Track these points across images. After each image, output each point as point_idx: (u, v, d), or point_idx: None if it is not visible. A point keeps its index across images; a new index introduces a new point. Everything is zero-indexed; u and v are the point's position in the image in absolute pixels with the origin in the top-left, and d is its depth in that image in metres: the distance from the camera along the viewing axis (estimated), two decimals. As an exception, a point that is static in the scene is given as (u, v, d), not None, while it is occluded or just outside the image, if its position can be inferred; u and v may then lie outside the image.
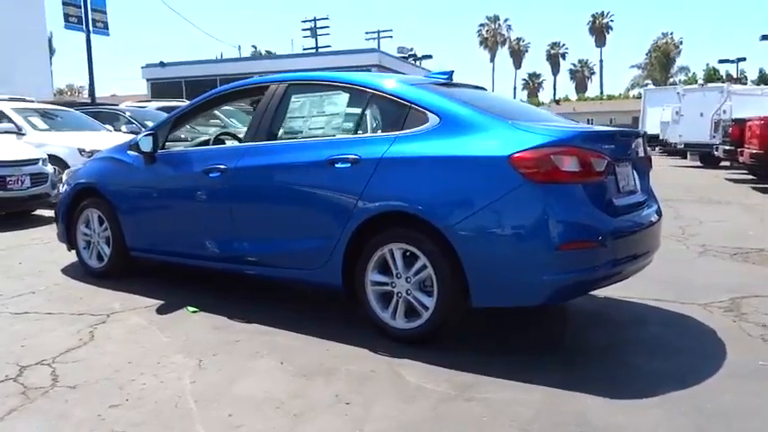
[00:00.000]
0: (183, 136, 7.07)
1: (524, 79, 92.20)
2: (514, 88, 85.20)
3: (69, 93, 44.30)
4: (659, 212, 4.09)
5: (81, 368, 3.26)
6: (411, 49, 43.29)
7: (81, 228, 5.22)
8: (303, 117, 4.21)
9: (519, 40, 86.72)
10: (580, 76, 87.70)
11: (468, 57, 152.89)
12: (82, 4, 16.83)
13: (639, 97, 30.89)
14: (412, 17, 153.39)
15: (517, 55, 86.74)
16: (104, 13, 17.40)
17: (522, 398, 2.94)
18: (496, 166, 3.30)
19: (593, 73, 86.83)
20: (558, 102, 67.50)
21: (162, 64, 28.51)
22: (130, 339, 3.70)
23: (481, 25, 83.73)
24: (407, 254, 3.55)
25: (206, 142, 5.12)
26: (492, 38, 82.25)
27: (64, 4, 16.63)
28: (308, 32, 47.86)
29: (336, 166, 3.74)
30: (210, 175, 4.30)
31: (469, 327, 3.88)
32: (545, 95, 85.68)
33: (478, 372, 3.20)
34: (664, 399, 2.94)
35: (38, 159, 8.28)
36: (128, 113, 12.93)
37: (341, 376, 3.16)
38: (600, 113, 51.40)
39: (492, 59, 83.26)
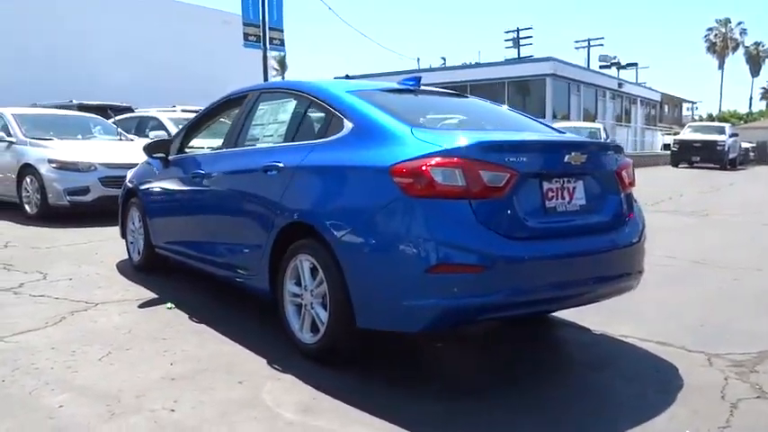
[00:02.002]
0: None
1: (763, 87, 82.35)
2: (750, 98, 76.41)
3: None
4: (637, 234, 3.49)
5: (11, 347, 3.60)
6: (614, 57, 40.93)
7: (129, 224, 5.76)
8: (262, 125, 4.25)
9: (757, 44, 77.55)
10: (835, 84, 76.03)
11: (692, 64, 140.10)
12: (261, 24, 18.53)
13: None
14: (628, 24, 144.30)
15: (755, 61, 77.63)
16: (281, 31, 18.95)
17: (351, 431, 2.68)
18: (378, 177, 3.06)
19: None
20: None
21: (347, 77, 30.12)
22: (82, 328, 3.99)
23: (709, 29, 76.13)
24: (312, 266, 3.41)
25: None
26: (722, 42, 74.43)
27: (244, 24, 18.43)
28: (511, 43, 47.50)
29: (267, 173, 3.73)
30: (194, 179, 4.53)
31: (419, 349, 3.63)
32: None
33: (349, 399, 2.94)
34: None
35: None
36: None
37: (203, 384, 3.12)
38: None
39: (720, 66, 75.44)
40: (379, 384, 3.19)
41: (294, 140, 3.83)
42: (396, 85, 4.04)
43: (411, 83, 4.08)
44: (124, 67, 24.38)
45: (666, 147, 31.40)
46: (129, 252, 5.83)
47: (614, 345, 3.91)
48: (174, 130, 11.50)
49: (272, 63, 59.78)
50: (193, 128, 5.11)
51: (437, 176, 2.89)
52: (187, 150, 5.19)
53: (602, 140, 3.85)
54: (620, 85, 32.65)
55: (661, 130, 40.55)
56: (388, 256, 2.98)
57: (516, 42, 46.45)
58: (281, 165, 3.64)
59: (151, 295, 4.81)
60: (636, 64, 40.56)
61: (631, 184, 3.59)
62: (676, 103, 51.77)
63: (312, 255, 3.36)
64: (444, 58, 45.50)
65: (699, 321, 4.36)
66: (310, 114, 3.86)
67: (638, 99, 35.93)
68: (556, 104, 26.09)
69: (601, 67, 40.21)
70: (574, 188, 3.27)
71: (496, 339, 4.12)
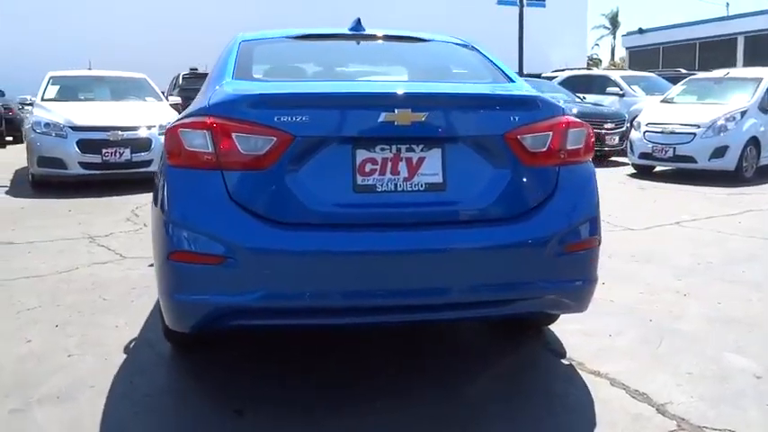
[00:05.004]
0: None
1: None
2: None
3: (592, 63, 45.94)
4: (552, 228, 2.39)
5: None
6: None
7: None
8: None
9: None
10: None
11: None
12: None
13: None
14: None
15: None
16: (540, -16, 17.55)
17: None
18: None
19: None
20: None
21: (640, 30, 26.62)
22: (69, 279, 4.18)
23: None
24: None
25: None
26: None
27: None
28: None
29: None
30: None
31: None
32: None
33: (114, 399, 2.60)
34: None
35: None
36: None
37: (34, 356, 3.02)
38: None
39: None
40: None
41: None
42: (321, 31, 3.32)
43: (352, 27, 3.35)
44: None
45: None
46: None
47: (560, 385, 2.76)
48: (625, 87, 13.02)
49: (603, 21, 56.06)
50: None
51: (186, 140, 2.30)
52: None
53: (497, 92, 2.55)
54: None
55: None
56: (153, 236, 2.51)
57: None
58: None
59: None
60: None
61: (554, 152, 2.42)
62: None
63: None
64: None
65: (768, 368, 2.85)
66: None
67: None
68: None
69: None
70: (420, 159, 2.32)
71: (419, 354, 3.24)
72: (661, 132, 9.20)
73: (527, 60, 19.76)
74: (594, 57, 56.78)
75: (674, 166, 9.34)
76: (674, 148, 9.00)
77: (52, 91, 9.14)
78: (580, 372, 2.84)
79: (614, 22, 64.47)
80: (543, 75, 16.19)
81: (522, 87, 2.70)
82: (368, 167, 2.28)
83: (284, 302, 2.25)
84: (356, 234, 2.27)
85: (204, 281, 2.26)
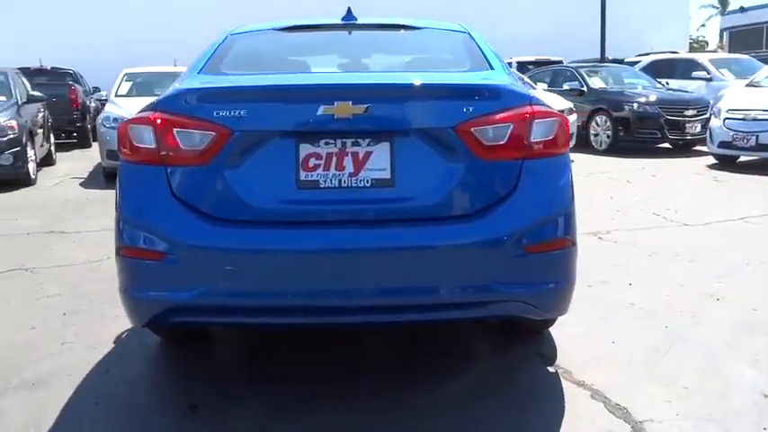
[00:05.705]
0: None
1: None
2: None
3: (698, 46, 43.27)
4: (508, 227, 2.22)
5: (15, 275, 4.21)
6: None
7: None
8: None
9: None
10: None
11: None
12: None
13: None
14: None
15: None
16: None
17: None
18: None
19: None
20: None
21: (742, 9, 24.57)
22: (97, 269, 4.35)
23: None
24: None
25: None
26: None
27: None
28: None
29: None
30: None
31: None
32: None
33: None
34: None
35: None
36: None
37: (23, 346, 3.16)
38: None
39: None
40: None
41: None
42: (310, 22, 3.23)
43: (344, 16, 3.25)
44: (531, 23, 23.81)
45: None
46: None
47: (538, 394, 2.58)
48: (713, 71, 12.25)
49: (711, 0, 52.63)
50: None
51: (134, 136, 2.31)
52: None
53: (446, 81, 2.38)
54: None
55: None
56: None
57: None
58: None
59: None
60: None
61: (515, 145, 2.23)
62: None
63: None
64: None
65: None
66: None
67: None
68: None
69: None
70: (367, 154, 2.21)
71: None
72: (743, 119, 8.49)
73: (621, 43, 18.79)
74: (701, 39, 53.49)
75: (756, 155, 8.62)
76: (757, 135, 8.28)
77: (125, 87, 9.56)
78: (564, 381, 2.64)
79: (723, 0, 60.02)
80: (626, 60, 15.38)
81: (495, 76, 2.52)
82: (312, 163, 2.21)
83: (224, 300, 2.23)
84: (298, 232, 2.20)
85: (149, 277, 2.28)
